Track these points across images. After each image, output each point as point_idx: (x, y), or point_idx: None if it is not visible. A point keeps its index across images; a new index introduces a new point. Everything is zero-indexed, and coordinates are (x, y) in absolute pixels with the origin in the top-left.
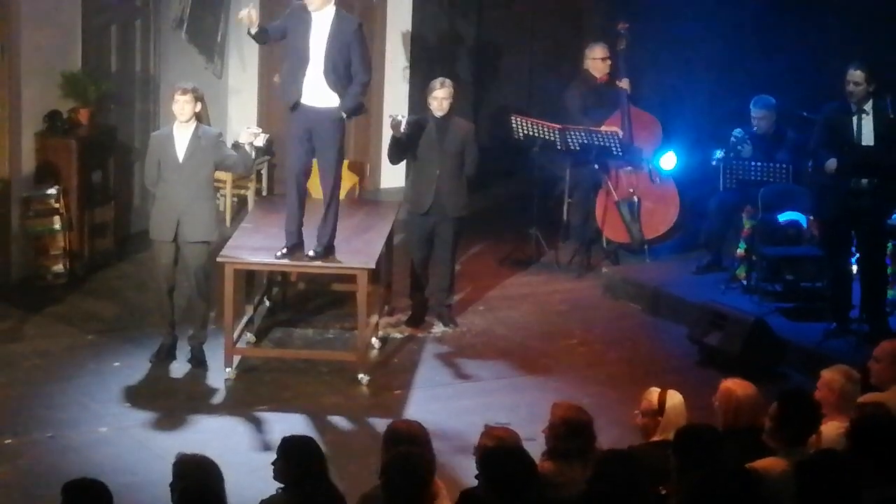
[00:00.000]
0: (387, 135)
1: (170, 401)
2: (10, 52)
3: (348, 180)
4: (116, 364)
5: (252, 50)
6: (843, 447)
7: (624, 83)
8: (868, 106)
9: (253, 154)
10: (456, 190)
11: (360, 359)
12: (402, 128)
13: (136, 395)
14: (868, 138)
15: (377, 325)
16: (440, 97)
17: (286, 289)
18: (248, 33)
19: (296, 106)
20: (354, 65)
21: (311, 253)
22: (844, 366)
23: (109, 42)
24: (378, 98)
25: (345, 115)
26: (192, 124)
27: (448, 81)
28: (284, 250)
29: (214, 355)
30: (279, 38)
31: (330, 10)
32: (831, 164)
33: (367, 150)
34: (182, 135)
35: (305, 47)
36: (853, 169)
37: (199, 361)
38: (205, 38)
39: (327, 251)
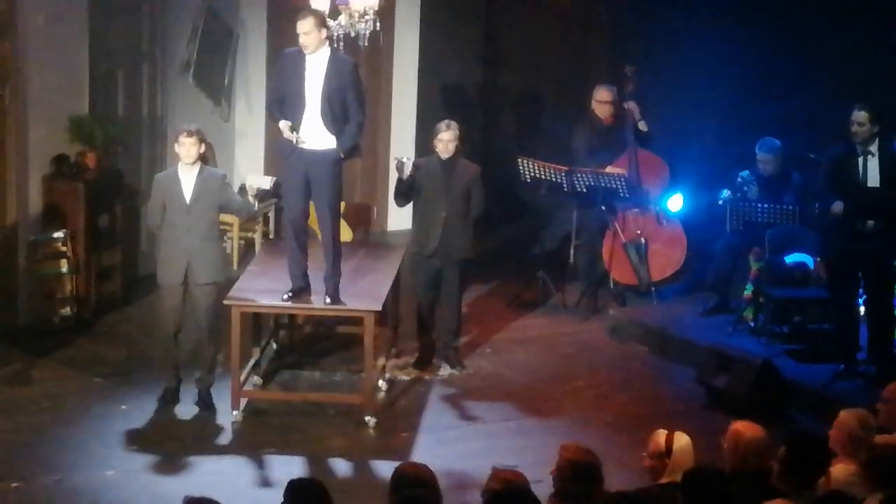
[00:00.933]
0: (394, 177)
1: (177, 444)
2: (18, 97)
3: (355, 223)
4: (123, 407)
5: (259, 93)
6: (853, 489)
7: (630, 105)
8: (874, 147)
9: (255, 205)
10: (462, 232)
11: (367, 401)
12: (408, 170)
13: (144, 439)
14: (874, 179)
15: (384, 367)
16: (445, 140)
17: (293, 331)
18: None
19: (291, 153)
20: (350, 105)
21: (327, 301)
22: (862, 410)
23: (116, 86)
24: (385, 140)
25: (342, 156)
26: (197, 166)
27: (453, 124)
28: (290, 293)
29: (221, 397)
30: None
31: (325, 52)
32: (837, 206)
33: (374, 192)
34: (188, 176)
35: (301, 90)
36: (858, 211)
37: (206, 404)
38: (212, 82)
39: (335, 297)
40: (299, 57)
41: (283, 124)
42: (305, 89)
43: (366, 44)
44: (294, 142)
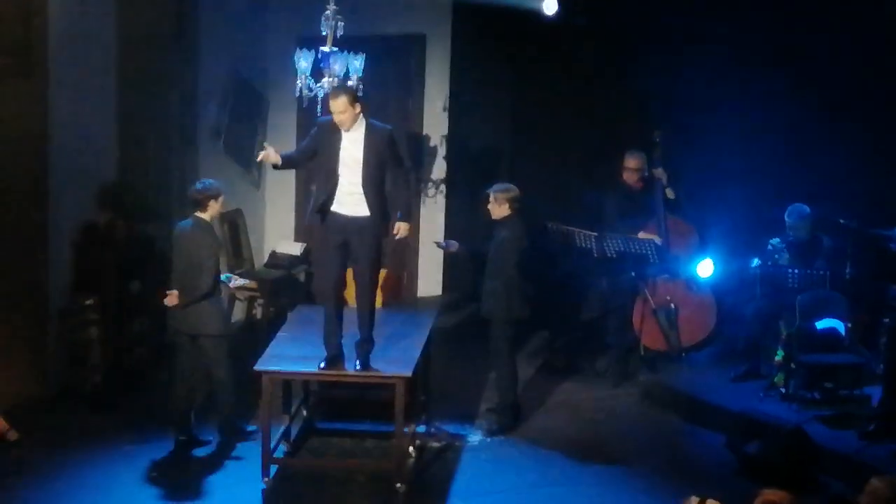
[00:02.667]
0: (424, 243)
1: None
2: (47, 163)
3: (386, 290)
4: (154, 474)
5: None
6: None
7: (658, 171)
8: None
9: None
10: (502, 293)
11: (398, 468)
12: (451, 247)
13: None
14: None
15: (414, 433)
16: (488, 205)
17: (324, 397)
18: (274, 168)
19: (324, 217)
20: (394, 171)
21: (357, 367)
22: (894, 478)
23: (146, 153)
24: (416, 206)
25: (404, 222)
26: None
27: (496, 187)
28: (325, 361)
29: (252, 464)
30: (309, 159)
31: (361, 123)
32: None
33: (403, 259)
34: None
35: (336, 164)
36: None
37: (232, 430)
38: (242, 149)
39: (366, 363)
40: (334, 129)
41: (270, 152)
42: (340, 163)
43: None
44: (259, 158)
